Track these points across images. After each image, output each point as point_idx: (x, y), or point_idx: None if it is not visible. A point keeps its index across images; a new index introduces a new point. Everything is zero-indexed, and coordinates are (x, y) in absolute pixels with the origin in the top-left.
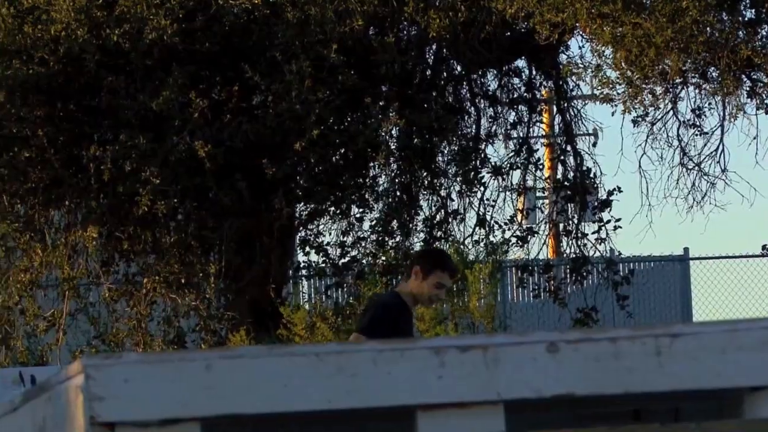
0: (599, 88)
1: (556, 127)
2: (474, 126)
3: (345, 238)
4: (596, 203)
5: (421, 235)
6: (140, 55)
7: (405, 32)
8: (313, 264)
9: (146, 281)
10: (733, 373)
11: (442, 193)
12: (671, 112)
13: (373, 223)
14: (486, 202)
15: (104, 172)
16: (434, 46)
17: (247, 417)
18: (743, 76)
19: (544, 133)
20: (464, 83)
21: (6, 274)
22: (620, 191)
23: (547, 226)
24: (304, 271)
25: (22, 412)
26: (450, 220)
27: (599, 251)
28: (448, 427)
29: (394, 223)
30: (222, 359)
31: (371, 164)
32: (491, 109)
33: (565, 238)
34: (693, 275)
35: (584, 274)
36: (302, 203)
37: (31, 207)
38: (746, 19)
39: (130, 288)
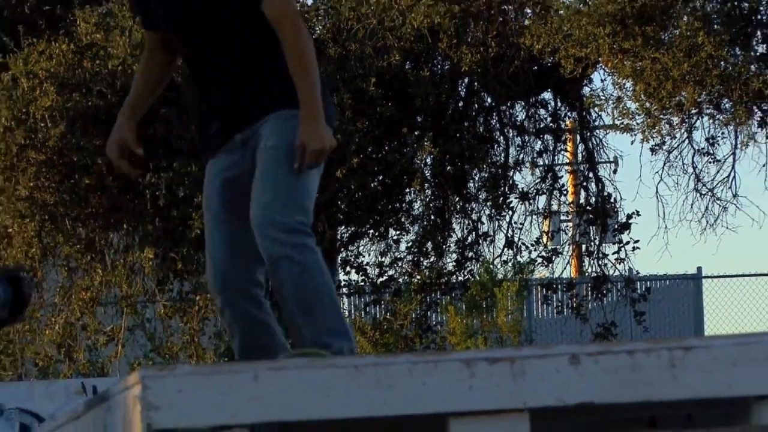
0: (620, 118)
1: (580, 155)
2: (503, 154)
3: (383, 259)
4: (616, 226)
5: (454, 255)
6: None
7: (439, 67)
8: (353, 282)
9: (198, 298)
10: (742, 384)
11: (473, 216)
12: (686, 141)
13: (409, 244)
14: (514, 225)
15: (159, 198)
16: (466, 80)
17: (292, 424)
18: (754, 107)
19: (568, 161)
20: (494, 114)
21: (69, 292)
22: (639, 215)
23: (571, 247)
24: (344, 289)
25: (84, 420)
26: (480, 241)
27: (618, 270)
28: (478, 430)
29: (429, 245)
30: (269, 371)
31: (407, 190)
32: (519, 138)
33: (587, 258)
34: (705, 293)
35: (604, 291)
36: (343, 226)
37: (91, 230)
38: (758, 54)
39: (184, 305)
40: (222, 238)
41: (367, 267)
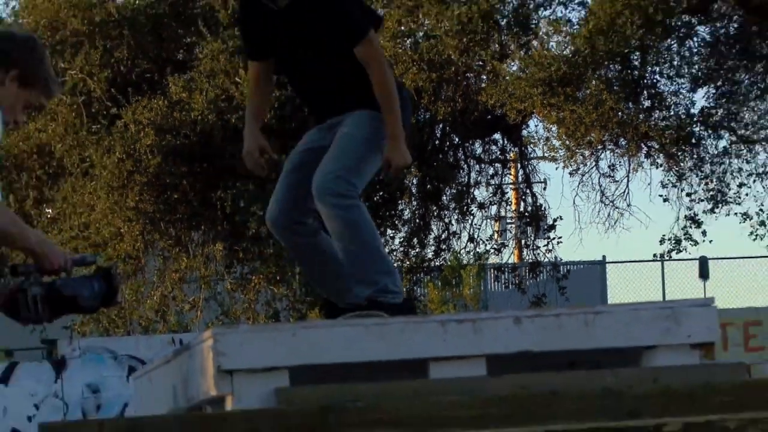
0: (548, 152)
1: (520, 178)
2: (466, 177)
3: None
4: (545, 227)
5: (432, 247)
6: None
7: (421, 115)
8: None
9: (254, 278)
10: (635, 338)
11: (446, 220)
12: (594, 168)
13: (401, 240)
14: (474, 226)
15: (226, 207)
16: (441, 125)
17: (321, 366)
18: (642, 144)
19: (512, 181)
20: (460, 149)
21: (163, 273)
22: (561, 219)
23: (513, 242)
24: None
25: (173, 363)
26: (451, 238)
27: (547, 257)
28: (449, 372)
29: (415, 240)
30: (303, 328)
31: (399, 202)
32: (477, 166)
33: (525, 249)
34: (608, 274)
35: (537, 272)
36: None
37: (179, 230)
38: (644, 107)
39: (244, 282)
40: (284, 187)
41: None
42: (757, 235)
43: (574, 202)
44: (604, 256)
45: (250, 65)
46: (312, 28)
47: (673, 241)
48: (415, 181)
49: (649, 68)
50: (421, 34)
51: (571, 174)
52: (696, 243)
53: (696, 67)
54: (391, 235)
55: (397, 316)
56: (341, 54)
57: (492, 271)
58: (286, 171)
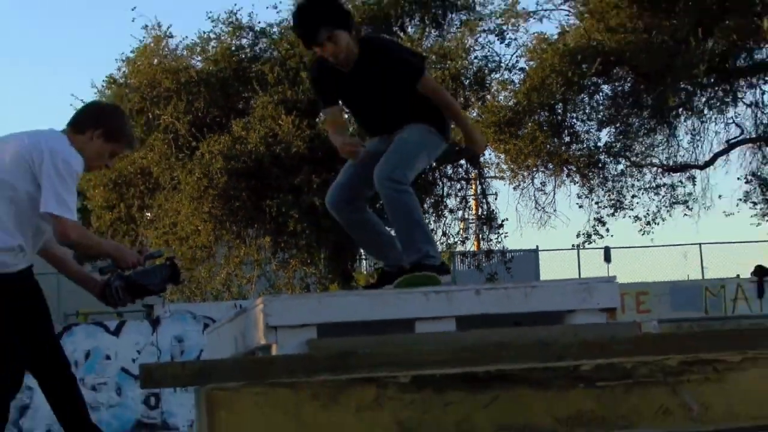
0: (498, 173)
1: (479, 190)
2: (441, 190)
3: None
4: (496, 225)
5: None
6: (290, 160)
7: None
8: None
9: (292, 262)
10: (561, 304)
11: (426, 221)
12: (531, 184)
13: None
14: (446, 225)
15: (272, 212)
16: None
17: (339, 323)
18: (564, 167)
19: (473, 193)
20: (436, 170)
21: (228, 258)
22: (507, 220)
23: (473, 236)
24: (364, 256)
25: (235, 321)
26: None
27: (498, 247)
28: (429, 328)
29: None
30: (326, 297)
31: None
32: (449, 182)
33: (482, 241)
34: (541, 260)
35: (491, 258)
36: None
37: (239, 228)
38: (566, 141)
39: (285, 264)
40: (344, 176)
41: None
42: (645, 231)
43: (516, 208)
44: (537, 246)
45: (326, 110)
46: (377, 78)
47: (586, 236)
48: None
49: (569, 114)
50: None
51: (514, 188)
52: (602, 236)
53: (602, 113)
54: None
55: (439, 274)
56: (400, 89)
57: (459, 256)
58: (347, 165)
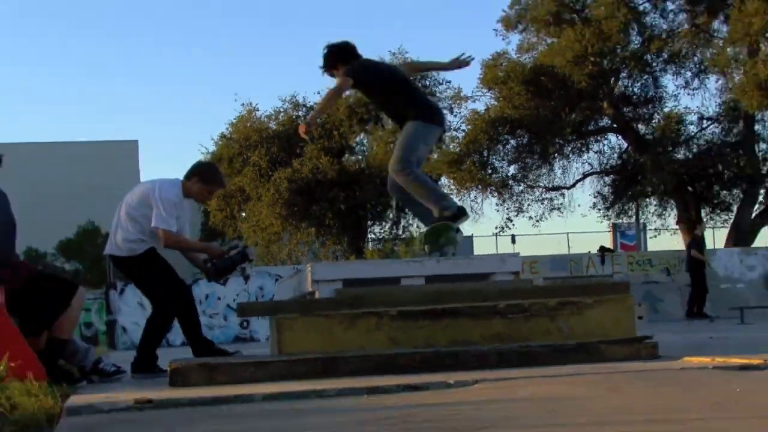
0: (450, 191)
1: None
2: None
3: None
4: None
5: (402, 231)
6: (327, 183)
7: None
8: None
9: (327, 243)
10: (487, 269)
11: (405, 220)
12: (468, 197)
13: (387, 228)
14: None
15: (316, 214)
16: None
17: (355, 279)
18: (488, 188)
19: None
20: None
21: (290, 240)
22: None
23: None
24: (370, 243)
25: (294, 277)
26: (408, 227)
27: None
28: (409, 283)
29: (394, 228)
30: (347, 263)
31: (387, 211)
32: None
33: None
34: (474, 243)
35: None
36: (369, 221)
37: (297, 222)
38: (489, 173)
39: (323, 244)
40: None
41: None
42: (536, 225)
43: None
44: (472, 234)
45: (350, 82)
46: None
47: (501, 228)
48: (393, 204)
49: (491, 157)
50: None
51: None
52: (510, 228)
53: (510, 156)
54: (380, 225)
55: (459, 218)
56: (378, 97)
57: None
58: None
